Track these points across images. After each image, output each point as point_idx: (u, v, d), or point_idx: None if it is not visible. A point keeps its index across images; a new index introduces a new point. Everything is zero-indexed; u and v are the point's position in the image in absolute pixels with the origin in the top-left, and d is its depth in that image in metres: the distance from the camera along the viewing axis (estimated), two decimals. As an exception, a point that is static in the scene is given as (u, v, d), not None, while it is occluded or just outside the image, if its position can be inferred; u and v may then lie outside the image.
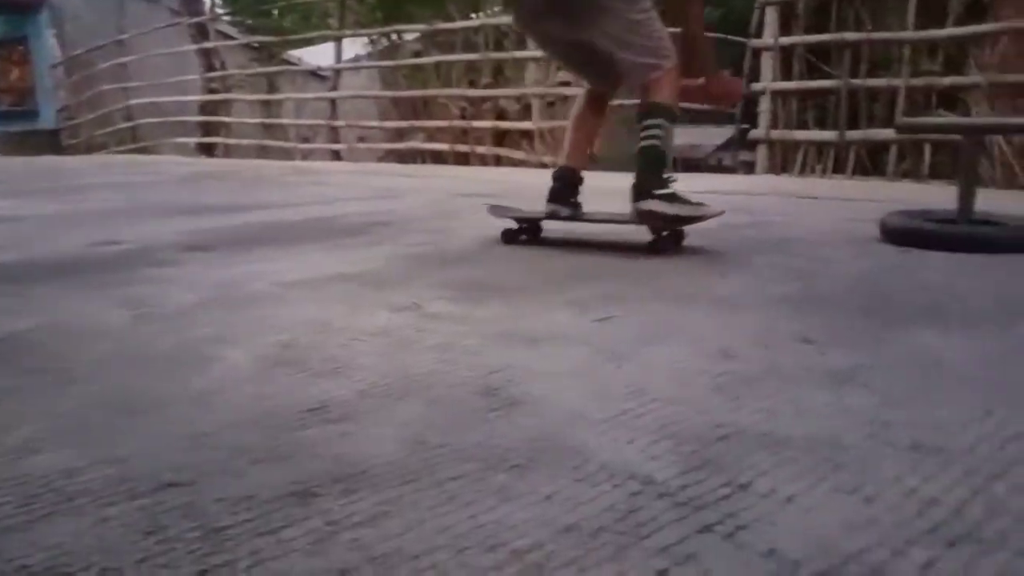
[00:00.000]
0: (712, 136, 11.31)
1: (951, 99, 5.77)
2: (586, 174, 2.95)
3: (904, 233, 2.64)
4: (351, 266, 2.45)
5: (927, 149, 5.51)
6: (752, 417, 1.17)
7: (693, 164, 10.05)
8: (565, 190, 2.87)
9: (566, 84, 8.21)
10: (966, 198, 2.71)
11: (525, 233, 2.89)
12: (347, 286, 2.16)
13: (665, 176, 2.56)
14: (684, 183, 2.83)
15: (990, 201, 3.60)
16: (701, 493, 0.94)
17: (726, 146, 8.10)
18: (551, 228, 2.97)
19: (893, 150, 5.77)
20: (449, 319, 1.79)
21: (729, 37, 8.79)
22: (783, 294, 2.00)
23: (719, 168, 10.30)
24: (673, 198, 2.55)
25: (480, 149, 8.96)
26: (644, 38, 2.54)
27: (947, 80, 5.49)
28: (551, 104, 8.44)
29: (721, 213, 2.58)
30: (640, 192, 2.57)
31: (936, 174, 5.55)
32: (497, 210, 2.95)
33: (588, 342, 1.58)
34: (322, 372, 1.42)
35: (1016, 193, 4.87)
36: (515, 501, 0.93)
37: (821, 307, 1.86)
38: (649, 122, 2.56)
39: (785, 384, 1.31)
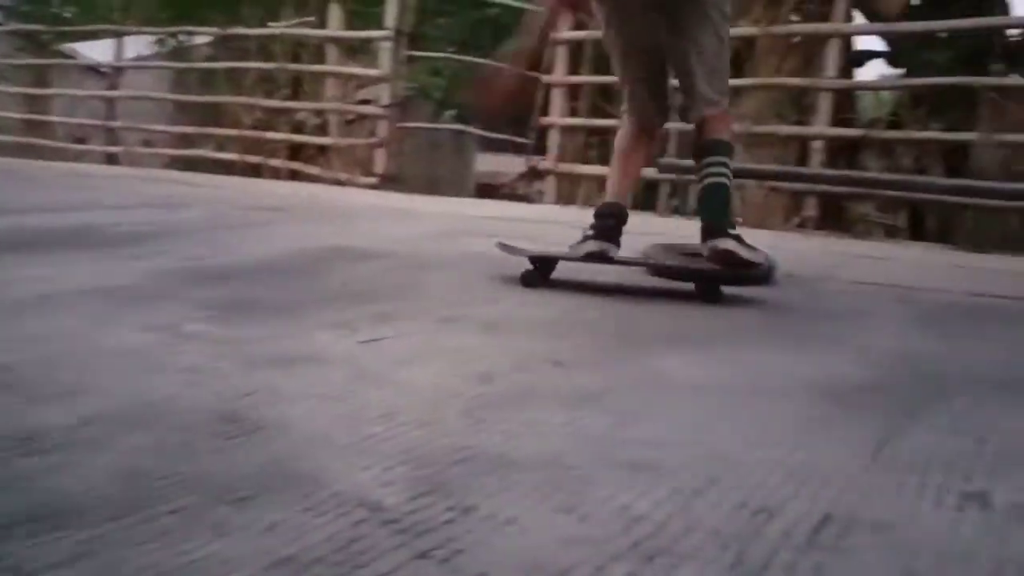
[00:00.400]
0: (514, 165, 11.69)
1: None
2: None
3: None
4: (112, 278, 2.26)
5: (692, 189, 6.03)
6: (491, 440, 1.20)
7: (495, 191, 10.31)
8: (614, 228, 2.69)
9: (366, 102, 8.16)
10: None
11: (539, 272, 2.54)
12: (102, 300, 1.99)
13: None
14: (478, 209, 2.88)
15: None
16: (427, 518, 0.94)
17: (531, 175, 8.45)
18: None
19: (664, 187, 6.26)
20: (206, 340, 1.70)
21: (526, 72, 9.16)
22: (547, 318, 2.09)
23: (518, 197, 10.66)
24: (743, 240, 2.47)
25: (274, 162, 8.66)
26: (722, 69, 2.50)
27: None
28: (350, 122, 8.34)
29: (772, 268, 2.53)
30: (713, 231, 2.46)
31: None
32: (512, 250, 2.66)
33: (349, 364, 1.56)
34: (43, 397, 1.29)
35: (764, 232, 5.44)
36: (234, 534, 0.89)
37: (580, 331, 1.96)
38: (713, 159, 2.50)
39: (530, 406, 1.36)
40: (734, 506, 1.04)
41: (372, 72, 7.74)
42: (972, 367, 1.83)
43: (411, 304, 2.16)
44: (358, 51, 8.89)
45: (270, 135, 8.76)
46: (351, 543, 0.88)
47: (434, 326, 1.93)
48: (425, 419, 1.27)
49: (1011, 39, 5.75)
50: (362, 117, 7.92)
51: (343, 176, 7.72)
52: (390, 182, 7.55)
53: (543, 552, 0.89)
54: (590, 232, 2.66)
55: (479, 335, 1.88)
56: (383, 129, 7.56)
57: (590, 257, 2.59)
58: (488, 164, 10.78)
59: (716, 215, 2.51)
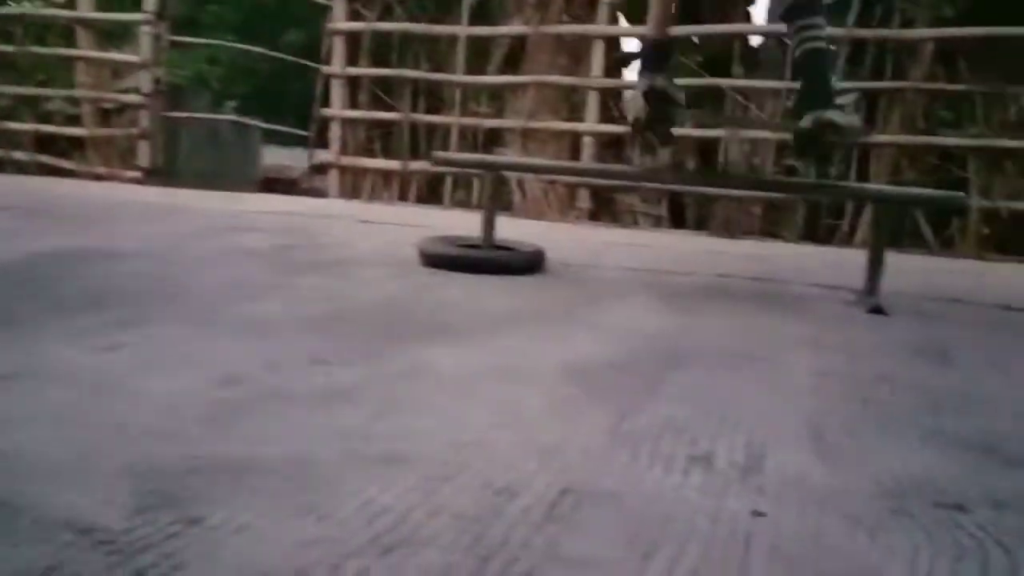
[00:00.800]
0: (302, 158, 11.26)
1: (498, 138, 6.51)
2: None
3: (435, 257, 2.88)
4: None
5: (475, 182, 6.15)
6: (230, 445, 1.14)
7: (282, 186, 9.88)
8: (660, 59, 2.58)
9: (126, 92, 7.52)
10: (488, 226, 3.05)
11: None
12: None
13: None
14: (255, 204, 2.73)
15: (516, 229, 4.12)
16: (147, 535, 0.87)
17: (319, 170, 8.16)
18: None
19: (449, 181, 6.33)
20: (-99, 357, 1.47)
21: (302, 61, 8.88)
22: (312, 315, 2.02)
23: (305, 192, 10.29)
24: (844, 109, 2.34)
25: (18, 155, 7.75)
26: None
27: (489, 122, 6.20)
28: (107, 112, 7.64)
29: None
30: (815, 101, 2.30)
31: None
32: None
33: (79, 376, 1.42)
34: None
35: (541, 223, 5.66)
36: (-97, 578, 0.77)
37: (344, 327, 1.92)
38: (806, 21, 2.34)
39: (282, 407, 1.31)
40: (479, 488, 1.06)
41: (129, 58, 7.15)
42: (708, 341, 2.01)
43: (160, 308, 2.01)
44: (117, 36, 8.17)
45: (13, 125, 7.83)
46: (50, 571, 0.79)
47: (184, 330, 1.80)
48: (158, 429, 1.18)
49: (750, 46, 6.38)
50: (122, 108, 7.29)
51: (102, 170, 7.06)
52: (158, 176, 7.01)
53: (275, 557, 0.85)
54: (640, 69, 2.67)
55: (234, 336, 1.78)
56: (146, 119, 7.01)
57: (648, 95, 2.58)
58: (276, 158, 10.32)
59: (817, 84, 2.46)
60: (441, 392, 1.45)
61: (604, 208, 6.22)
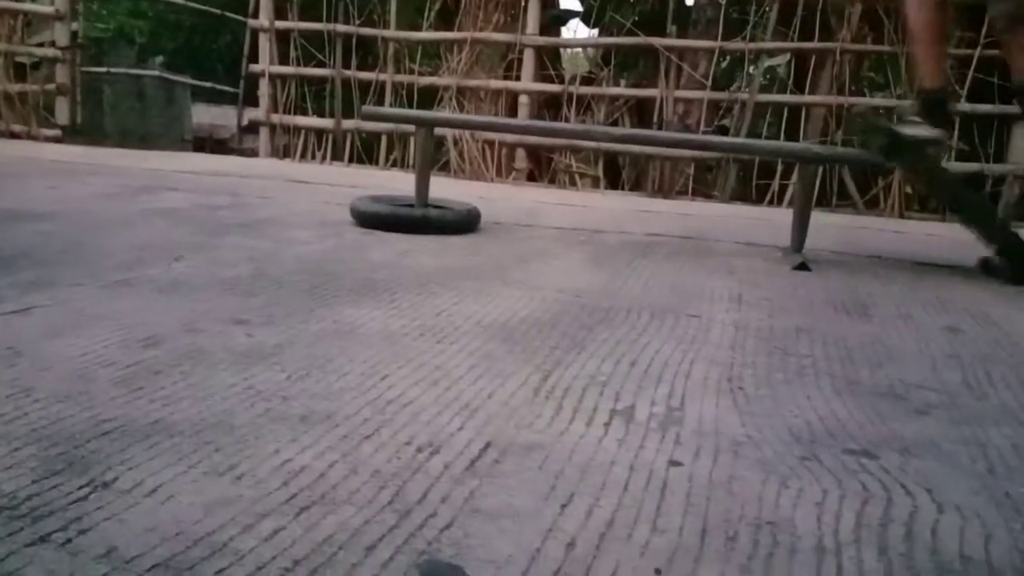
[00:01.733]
0: (234, 116, 10.88)
1: (434, 96, 6.41)
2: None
3: (368, 216, 2.83)
4: None
5: (412, 141, 6.04)
6: (146, 408, 1.11)
7: (214, 145, 9.54)
8: (939, 111, 2.49)
9: (40, 45, 7.13)
10: (421, 185, 3.01)
11: None
12: None
13: None
14: (179, 163, 2.63)
15: (454, 189, 4.08)
16: (52, 499, 0.85)
17: (250, 128, 7.89)
18: None
19: (384, 140, 6.21)
20: None
21: (229, 15, 8.56)
22: (235, 276, 1.97)
23: (240, 151, 9.98)
24: None
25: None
26: None
27: (424, 79, 6.09)
28: (22, 67, 7.24)
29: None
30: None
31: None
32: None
33: (-15, 340, 1.36)
34: None
35: (479, 184, 5.63)
36: None
37: (268, 288, 1.88)
38: None
39: (198, 369, 1.28)
40: (400, 446, 1.06)
41: (44, 9, 6.77)
42: (635, 298, 2.03)
43: (74, 270, 1.94)
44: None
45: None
46: (-53, 540, 0.76)
47: (99, 292, 1.74)
48: (68, 392, 1.14)
49: (685, 4, 6.39)
50: (39, 62, 6.92)
51: (17, 128, 6.72)
52: (78, 135, 6.71)
53: (187, 518, 0.83)
54: (916, 118, 2.55)
55: (153, 297, 1.73)
56: (63, 75, 6.68)
57: (930, 143, 2.53)
58: (206, 116, 9.96)
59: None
60: (366, 351, 1.44)
61: (542, 168, 6.21)
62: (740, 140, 4.57)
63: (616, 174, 6.14)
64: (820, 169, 4.87)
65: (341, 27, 6.25)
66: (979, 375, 1.57)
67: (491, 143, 6.01)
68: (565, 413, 1.22)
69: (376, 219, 2.81)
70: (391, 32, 6.19)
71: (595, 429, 1.17)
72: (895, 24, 5.24)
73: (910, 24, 2.69)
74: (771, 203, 5.36)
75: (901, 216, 5.12)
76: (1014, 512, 1.00)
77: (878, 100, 5.61)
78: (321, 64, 6.36)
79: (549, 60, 6.37)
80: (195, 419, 1.08)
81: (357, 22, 6.27)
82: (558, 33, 7.10)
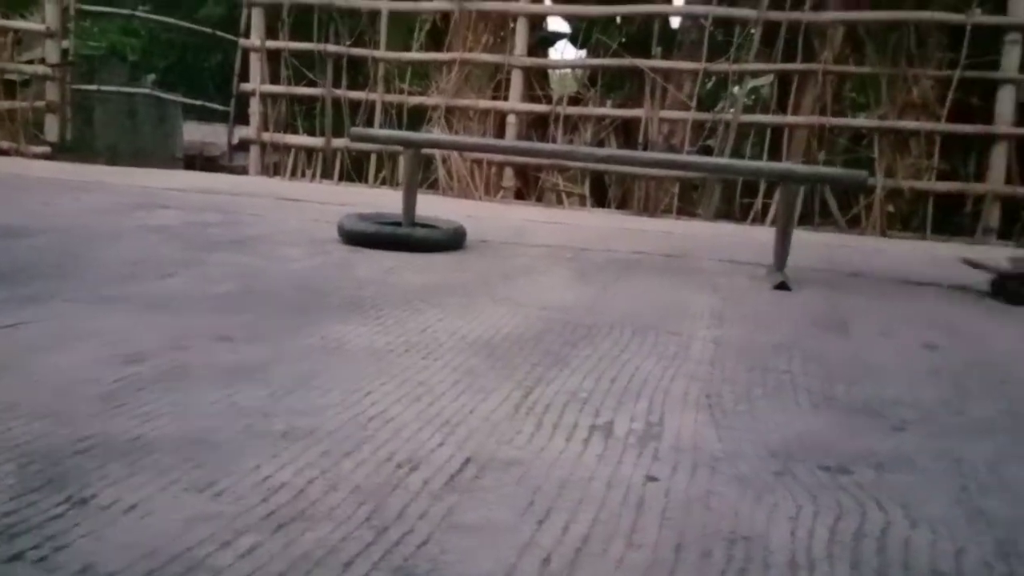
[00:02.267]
0: (225, 134, 10.86)
1: (423, 116, 6.44)
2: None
3: (355, 234, 2.85)
4: None
5: (401, 159, 6.07)
6: (127, 424, 1.11)
7: (205, 163, 9.53)
8: None
9: (30, 63, 7.13)
10: (408, 203, 3.03)
11: None
12: None
13: None
14: (172, 180, 2.64)
15: (442, 207, 4.10)
16: (28, 517, 0.85)
17: (241, 146, 7.89)
18: None
19: (374, 158, 6.24)
20: None
21: (220, 34, 8.60)
22: (223, 293, 1.98)
23: (230, 168, 9.97)
24: None
25: (-89, 129, 7.28)
26: None
27: (413, 99, 6.13)
28: (12, 84, 7.25)
29: None
30: None
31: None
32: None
33: (-33, 357, 1.36)
34: None
35: (467, 202, 5.65)
36: None
37: (256, 304, 1.89)
38: None
39: (181, 385, 1.29)
40: (380, 462, 1.06)
41: (35, 27, 6.79)
42: (617, 315, 2.04)
43: (65, 285, 1.94)
44: (21, 3, 7.74)
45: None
46: (-77, 556, 0.77)
47: (89, 307, 1.75)
48: (51, 408, 1.15)
49: (670, 26, 6.47)
50: (30, 79, 6.92)
51: (6, 145, 6.71)
52: (67, 152, 6.70)
53: (165, 535, 0.84)
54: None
55: (141, 313, 1.73)
56: (53, 92, 6.68)
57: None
58: (197, 134, 9.96)
59: None
60: (349, 368, 1.45)
61: (530, 187, 6.25)
62: (722, 160, 4.62)
63: (602, 192, 6.18)
64: (802, 188, 4.93)
65: (332, 47, 6.29)
66: (955, 392, 1.59)
67: (479, 162, 6.04)
68: (545, 429, 1.23)
69: (363, 237, 2.83)
70: (381, 52, 6.24)
71: (574, 445, 1.18)
72: (876, 45, 5.32)
73: None
74: (754, 222, 5.41)
75: (883, 234, 5.17)
76: (986, 527, 1.01)
77: (860, 121, 5.68)
78: (312, 83, 6.39)
79: (537, 81, 6.43)
80: (176, 435, 1.09)
81: (348, 42, 6.31)
82: (546, 54, 7.17)
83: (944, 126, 5.11)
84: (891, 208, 5.29)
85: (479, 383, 1.42)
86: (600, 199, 6.10)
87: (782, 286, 2.58)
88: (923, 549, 0.94)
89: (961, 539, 0.97)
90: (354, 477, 1.01)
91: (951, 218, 5.31)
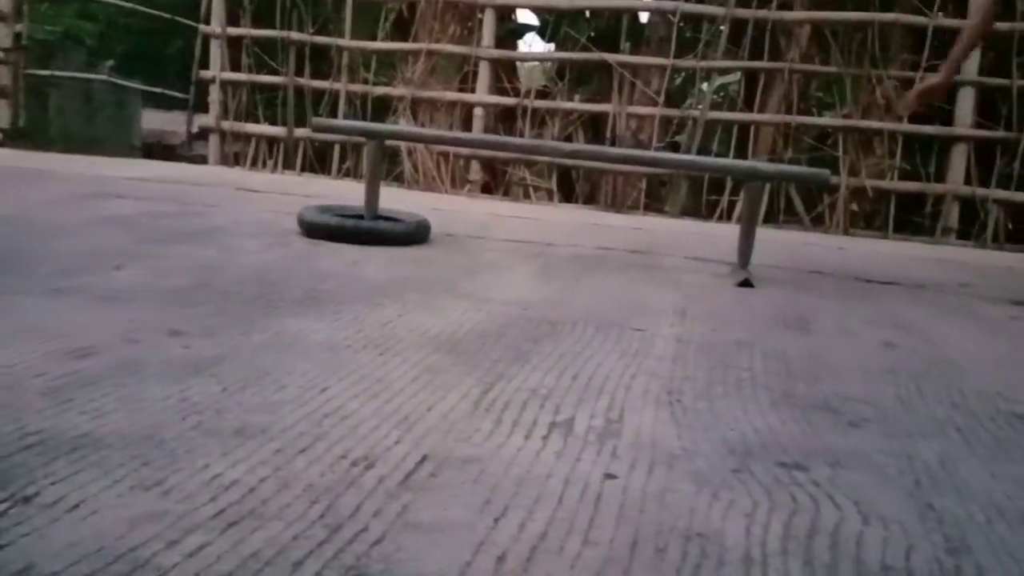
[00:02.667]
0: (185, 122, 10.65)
1: (388, 107, 6.39)
2: None
3: (316, 227, 2.81)
4: None
5: (364, 151, 6.00)
6: (75, 420, 1.08)
7: (164, 151, 9.35)
8: None
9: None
10: (371, 196, 3.00)
11: None
12: None
13: None
14: (128, 169, 2.58)
15: (408, 200, 4.07)
16: (-34, 516, 0.82)
17: (201, 135, 7.73)
18: None
19: (337, 149, 6.17)
20: None
21: (180, 20, 8.44)
22: (177, 286, 1.94)
23: (190, 158, 9.79)
24: None
25: None
26: None
27: (378, 89, 6.07)
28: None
29: None
30: None
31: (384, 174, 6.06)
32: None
33: (-92, 350, 1.31)
34: None
35: (433, 195, 5.62)
36: None
37: (211, 298, 1.85)
38: None
39: (131, 381, 1.25)
40: (334, 460, 1.05)
41: (-14, 9, 6.60)
42: (580, 311, 2.04)
43: (14, 277, 1.89)
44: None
45: None
46: None
47: (36, 300, 1.70)
48: (-7, 404, 1.11)
49: (639, 21, 6.49)
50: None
51: (-45, 131, 6.52)
52: (21, 139, 6.53)
53: (110, 534, 0.82)
54: None
55: (92, 307, 1.69)
56: (5, 77, 6.51)
57: None
58: (157, 122, 9.76)
59: None
60: (307, 364, 1.42)
61: (497, 181, 6.23)
62: (688, 157, 4.64)
63: (570, 187, 6.19)
64: (767, 186, 4.98)
65: (295, 35, 6.20)
66: (912, 390, 1.62)
67: (445, 155, 6.01)
68: (504, 426, 1.22)
69: (324, 230, 2.79)
70: (346, 41, 6.16)
71: (533, 442, 1.17)
72: (841, 45, 5.39)
73: None
74: (720, 219, 5.45)
75: (846, 233, 5.24)
76: (937, 523, 1.03)
77: (825, 120, 5.75)
78: (274, 72, 6.30)
79: (505, 73, 6.40)
80: (125, 432, 1.06)
81: (311, 30, 6.23)
82: (514, 46, 7.15)
83: (906, 126, 5.19)
84: (855, 207, 5.37)
85: (438, 380, 1.40)
86: (568, 194, 6.10)
87: (745, 283, 2.60)
88: (875, 545, 0.95)
89: (912, 535, 0.99)
90: (307, 475, 0.99)
91: (912, 217, 5.40)
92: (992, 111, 5.16)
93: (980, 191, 5.07)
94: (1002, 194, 5.04)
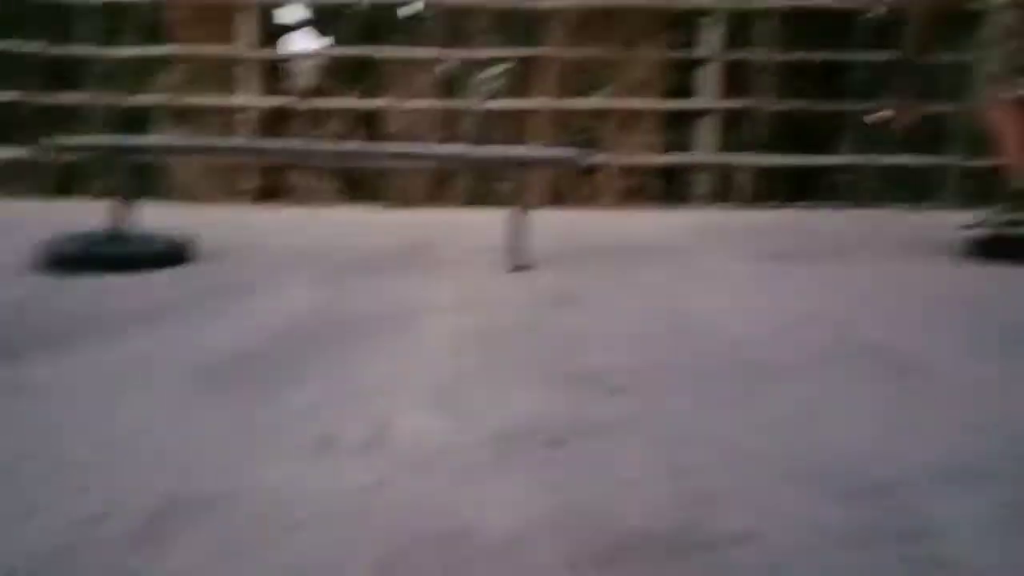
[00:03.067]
0: None
1: (142, 117, 5.92)
2: None
3: (58, 257, 2.54)
4: None
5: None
6: None
7: None
8: None
9: None
10: (120, 217, 2.76)
11: None
12: None
13: None
14: None
15: (175, 216, 3.79)
16: None
17: None
18: None
19: (94, 168, 5.66)
20: None
21: None
22: None
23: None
24: None
25: None
26: None
27: (133, 100, 5.62)
28: None
29: None
30: None
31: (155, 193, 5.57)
32: None
33: None
34: None
35: (201, 208, 5.30)
36: None
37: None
38: None
39: None
40: (64, 519, 0.94)
41: None
42: (351, 316, 1.99)
43: None
44: None
45: None
46: None
47: None
48: None
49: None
50: None
51: None
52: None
53: None
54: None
55: None
56: None
57: None
58: None
59: None
60: (36, 413, 1.28)
61: (276, 186, 5.99)
62: (443, 149, 4.65)
63: (354, 185, 6.09)
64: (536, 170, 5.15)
65: (32, 45, 5.60)
66: (665, 353, 1.72)
67: (215, 164, 5.69)
68: (264, 452, 1.16)
69: (68, 260, 2.53)
70: (92, 49, 5.66)
71: (295, 465, 1.13)
72: (600, 31, 5.69)
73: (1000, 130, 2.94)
74: (502, 206, 5.58)
75: (619, 208, 5.55)
76: (685, 477, 1.09)
77: (595, 101, 6.05)
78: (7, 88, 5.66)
79: (276, 73, 6.16)
80: None
81: (51, 40, 5.66)
82: (280, 45, 6.89)
83: (661, 103, 5.57)
84: (624, 183, 5.69)
85: (190, 412, 1.31)
86: (352, 193, 6.00)
87: (520, 267, 2.67)
88: (628, 510, 0.99)
89: (662, 492, 1.04)
90: (27, 542, 0.89)
91: (673, 188, 5.83)
92: (736, 84, 5.68)
93: (730, 158, 5.56)
94: (748, 159, 5.56)
